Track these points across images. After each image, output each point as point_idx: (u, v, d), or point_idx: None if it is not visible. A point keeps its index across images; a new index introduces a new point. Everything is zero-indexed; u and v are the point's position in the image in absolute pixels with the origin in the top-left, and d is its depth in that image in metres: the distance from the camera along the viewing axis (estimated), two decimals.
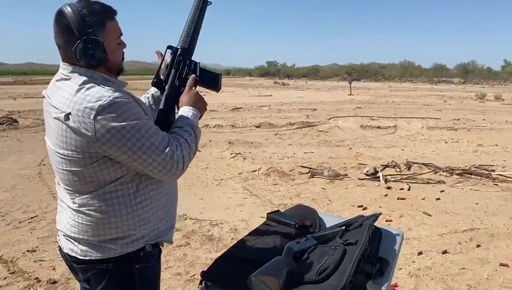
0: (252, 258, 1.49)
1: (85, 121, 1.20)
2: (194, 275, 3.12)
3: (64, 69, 1.32)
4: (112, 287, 1.38)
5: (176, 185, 1.57)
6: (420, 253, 3.51)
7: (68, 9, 1.24)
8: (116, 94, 1.23)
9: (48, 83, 1.41)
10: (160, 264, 1.52)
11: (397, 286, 2.98)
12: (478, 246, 3.70)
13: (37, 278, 3.08)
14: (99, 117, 1.20)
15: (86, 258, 1.36)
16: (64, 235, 1.41)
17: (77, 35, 1.23)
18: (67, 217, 1.38)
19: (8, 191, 5.27)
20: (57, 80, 1.33)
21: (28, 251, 3.53)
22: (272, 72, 75.72)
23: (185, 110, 1.47)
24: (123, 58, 1.41)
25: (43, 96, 1.39)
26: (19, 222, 4.20)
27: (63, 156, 1.29)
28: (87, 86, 1.25)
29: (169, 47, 1.55)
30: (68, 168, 1.30)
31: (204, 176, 6.04)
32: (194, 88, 1.53)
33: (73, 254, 1.38)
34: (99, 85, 1.27)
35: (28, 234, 3.90)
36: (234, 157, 7.32)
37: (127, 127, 1.22)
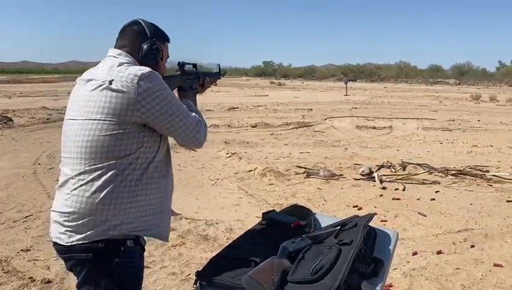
0: (247, 258, 1.49)
1: (128, 85, 1.38)
2: (189, 274, 3.11)
3: (112, 52, 1.55)
4: (91, 278, 1.42)
5: (172, 187, 1.63)
6: (415, 253, 3.53)
7: (144, 21, 1.59)
8: (154, 71, 1.46)
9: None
10: (143, 264, 1.56)
11: (392, 286, 2.99)
12: (472, 246, 3.72)
13: (31, 277, 3.07)
14: (141, 82, 1.39)
15: (69, 243, 1.40)
16: (54, 221, 1.46)
17: (149, 36, 1.56)
18: (64, 194, 1.44)
19: (2, 190, 5.25)
20: (103, 59, 1.54)
21: (22, 250, 3.52)
22: (268, 72, 75.62)
23: (190, 102, 1.71)
24: None
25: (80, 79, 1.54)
26: (14, 221, 4.18)
27: (93, 122, 1.39)
28: (128, 64, 1.47)
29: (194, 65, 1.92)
30: (92, 134, 1.39)
31: (200, 176, 6.04)
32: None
33: (60, 242, 1.42)
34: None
35: (23, 233, 3.88)
36: (230, 157, 7.32)
37: (164, 93, 1.44)
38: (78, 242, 1.39)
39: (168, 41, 1.67)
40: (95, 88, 1.40)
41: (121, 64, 1.45)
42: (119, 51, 1.53)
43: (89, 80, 1.45)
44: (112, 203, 1.39)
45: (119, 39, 1.58)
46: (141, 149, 1.43)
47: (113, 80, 1.39)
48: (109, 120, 1.37)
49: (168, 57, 1.69)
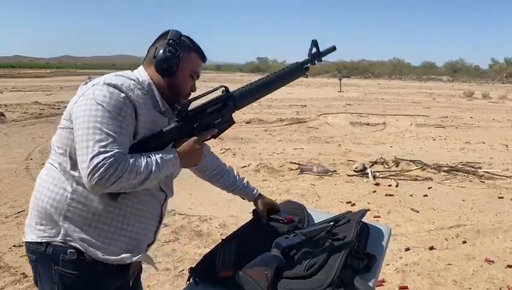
0: (240, 254, 1.49)
1: (88, 87, 1.27)
2: (183, 270, 3.12)
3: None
4: (38, 280, 1.41)
5: (155, 206, 1.44)
6: (407, 249, 3.55)
7: (173, 30, 1.38)
8: (126, 88, 1.25)
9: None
10: (102, 280, 1.36)
11: (384, 282, 3.01)
12: (464, 242, 3.75)
13: (23, 273, 3.06)
14: (93, 87, 1.24)
15: (25, 240, 1.41)
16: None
17: (167, 38, 1.35)
18: None
19: None
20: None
21: (14, 245, 3.50)
22: (263, 68, 75.44)
23: (171, 152, 1.31)
24: (188, 94, 1.43)
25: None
26: (6, 217, 4.15)
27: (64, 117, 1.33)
28: (126, 77, 1.32)
29: (226, 89, 1.53)
30: (61, 126, 1.33)
31: None
32: (196, 143, 1.41)
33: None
34: (140, 89, 1.31)
35: (15, 229, 3.86)
36: (224, 153, 7.31)
37: (97, 106, 1.19)
38: (26, 240, 1.41)
39: (199, 55, 1.42)
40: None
41: (117, 75, 1.32)
42: (140, 66, 1.41)
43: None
44: (48, 209, 1.33)
45: (151, 49, 1.41)
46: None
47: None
48: (68, 118, 1.30)
49: (198, 76, 1.45)
